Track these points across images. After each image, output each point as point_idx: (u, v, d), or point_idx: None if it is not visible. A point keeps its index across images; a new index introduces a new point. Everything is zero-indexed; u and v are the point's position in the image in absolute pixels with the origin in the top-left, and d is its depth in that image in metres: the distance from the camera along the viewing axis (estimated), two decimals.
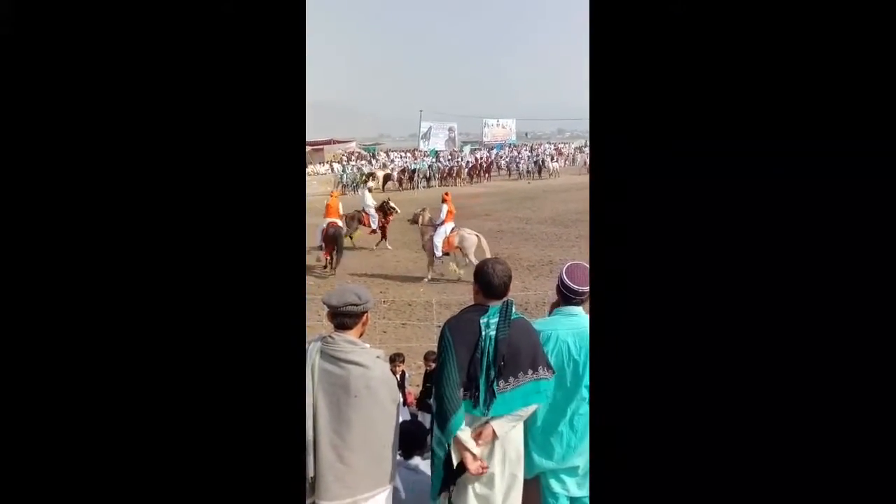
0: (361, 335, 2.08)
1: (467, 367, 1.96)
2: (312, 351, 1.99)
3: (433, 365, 5.31)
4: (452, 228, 10.31)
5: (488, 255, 9.49)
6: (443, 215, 10.38)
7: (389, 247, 12.78)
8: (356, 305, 1.99)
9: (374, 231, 12.94)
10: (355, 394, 1.90)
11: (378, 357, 2.03)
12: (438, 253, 10.18)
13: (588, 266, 2.32)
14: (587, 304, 2.24)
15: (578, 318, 2.27)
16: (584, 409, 2.19)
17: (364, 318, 2.06)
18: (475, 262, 8.88)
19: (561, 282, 2.30)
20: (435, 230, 10.31)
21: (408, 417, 5.05)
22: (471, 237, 10.14)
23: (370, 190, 14.77)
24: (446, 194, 11.17)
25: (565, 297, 2.31)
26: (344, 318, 2.00)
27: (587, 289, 2.26)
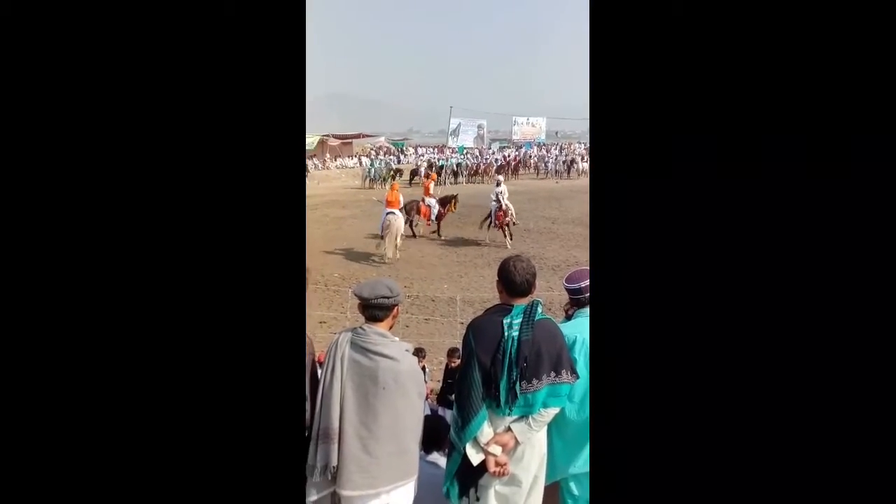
0: (391, 328, 2.10)
1: (489, 367, 1.96)
2: (343, 341, 2.02)
3: (456, 361, 5.35)
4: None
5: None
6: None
7: (442, 237, 13.54)
8: (387, 298, 2.02)
9: (430, 222, 13.67)
10: (383, 385, 1.92)
11: (407, 350, 2.05)
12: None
13: (585, 268, 2.34)
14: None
15: None
16: None
17: (395, 311, 2.08)
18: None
19: (565, 287, 2.35)
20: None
21: (427, 412, 5.08)
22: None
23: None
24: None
25: (573, 300, 2.35)
26: (375, 310, 2.02)
27: (585, 283, 2.27)
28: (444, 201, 13.84)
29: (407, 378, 1.98)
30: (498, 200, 12.65)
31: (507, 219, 12.59)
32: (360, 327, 2.04)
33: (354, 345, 1.99)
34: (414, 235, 13.47)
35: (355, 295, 2.03)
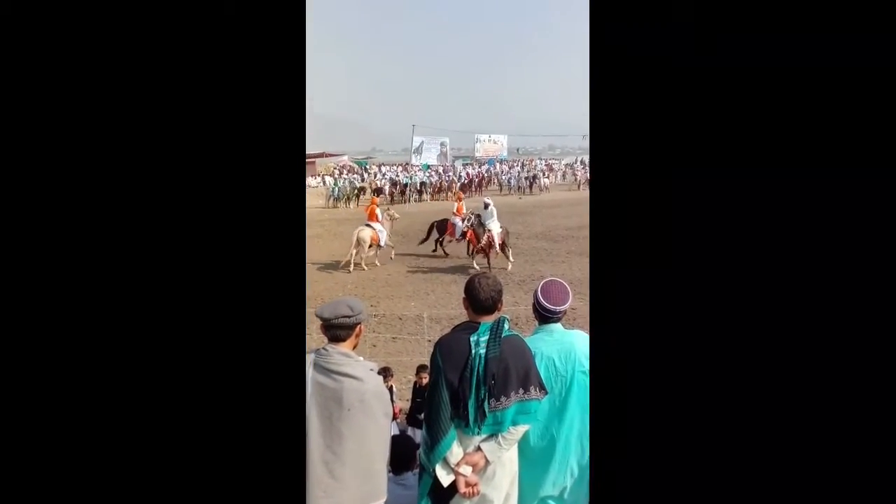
0: (355, 347, 2.07)
1: (457, 386, 1.94)
2: (307, 363, 1.97)
3: (425, 378, 5.30)
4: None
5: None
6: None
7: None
8: (348, 317, 1.99)
9: (458, 240, 12.92)
10: (348, 407, 1.88)
11: (372, 370, 2.02)
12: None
13: (563, 283, 2.33)
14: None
15: (560, 335, 2.26)
16: (573, 426, 2.19)
17: (357, 329, 2.05)
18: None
19: (537, 301, 2.28)
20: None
21: (396, 432, 5.01)
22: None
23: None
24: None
25: (542, 316, 2.30)
26: (337, 330, 1.99)
27: (564, 307, 2.26)
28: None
29: (372, 398, 1.94)
30: (478, 225, 11.80)
31: (485, 244, 11.66)
32: (323, 348, 2.00)
33: (318, 366, 1.95)
34: (445, 255, 13.11)
35: (317, 316, 1.99)
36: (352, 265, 12.07)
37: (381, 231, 12.66)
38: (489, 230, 11.70)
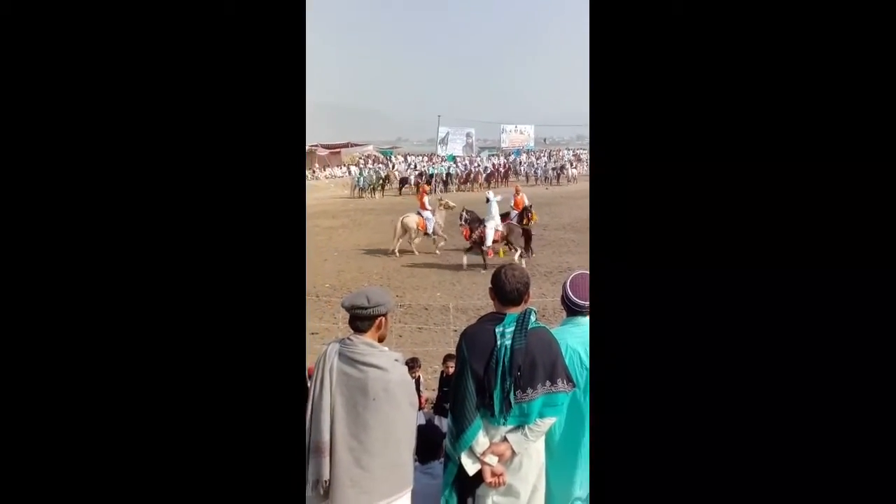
0: (382, 339, 2.06)
1: (482, 377, 1.92)
2: (331, 353, 1.98)
3: (451, 368, 5.31)
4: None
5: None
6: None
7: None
8: (364, 308, 1.98)
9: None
10: (373, 397, 1.88)
11: (397, 360, 2.01)
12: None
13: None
14: None
15: (587, 327, 2.21)
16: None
17: (378, 321, 2.03)
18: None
19: (565, 295, 2.25)
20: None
21: (422, 422, 5.03)
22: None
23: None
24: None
25: (570, 309, 2.26)
26: (355, 320, 2.00)
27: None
28: (521, 216, 11.93)
29: (397, 388, 1.94)
30: (473, 220, 11.40)
31: (476, 239, 11.25)
32: (348, 338, 2.00)
33: (343, 356, 1.95)
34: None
35: (341, 305, 2.01)
36: (397, 251, 12.41)
37: (429, 219, 12.50)
38: (484, 226, 11.27)
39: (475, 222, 11.51)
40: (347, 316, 2.02)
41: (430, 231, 12.61)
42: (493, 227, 11.32)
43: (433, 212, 12.46)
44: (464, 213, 11.87)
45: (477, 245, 11.37)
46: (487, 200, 11.87)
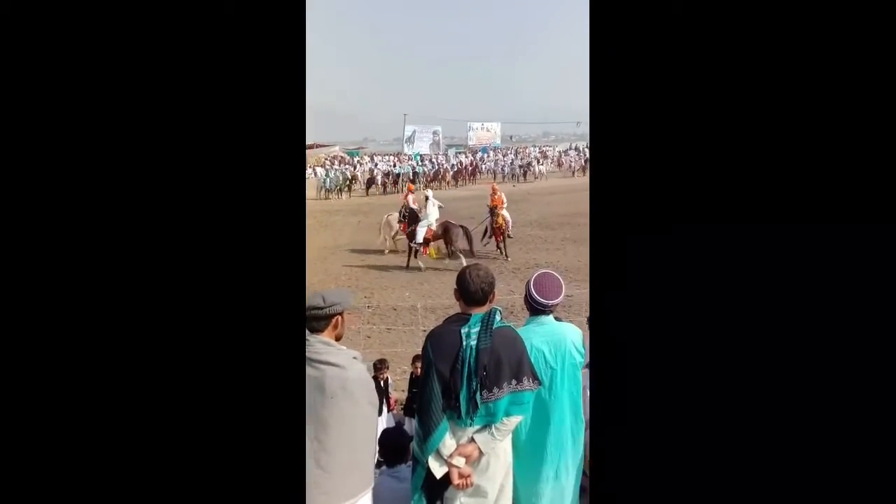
0: (339, 338, 2.04)
1: (448, 378, 1.91)
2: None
3: (420, 369, 5.29)
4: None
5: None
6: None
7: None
8: (320, 309, 1.96)
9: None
10: (331, 395, 1.86)
11: (355, 358, 1.99)
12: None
13: (556, 275, 2.29)
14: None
15: (551, 326, 2.23)
16: (563, 417, 2.17)
17: (334, 321, 2.01)
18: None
19: (529, 295, 2.25)
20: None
21: (392, 424, 5.00)
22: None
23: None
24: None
25: (534, 309, 2.26)
26: (311, 321, 1.98)
27: (556, 301, 2.22)
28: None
29: (355, 386, 1.92)
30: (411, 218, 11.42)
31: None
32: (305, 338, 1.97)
33: None
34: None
35: None
36: (387, 249, 12.65)
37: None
38: (416, 224, 11.36)
39: (413, 219, 11.54)
40: None
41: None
42: (424, 226, 11.34)
43: (419, 210, 12.07)
44: (402, 209, 11.88)
45: (412, 241, 11.45)
46: (426, 199, 11.91)
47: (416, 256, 11.52)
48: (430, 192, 12.59)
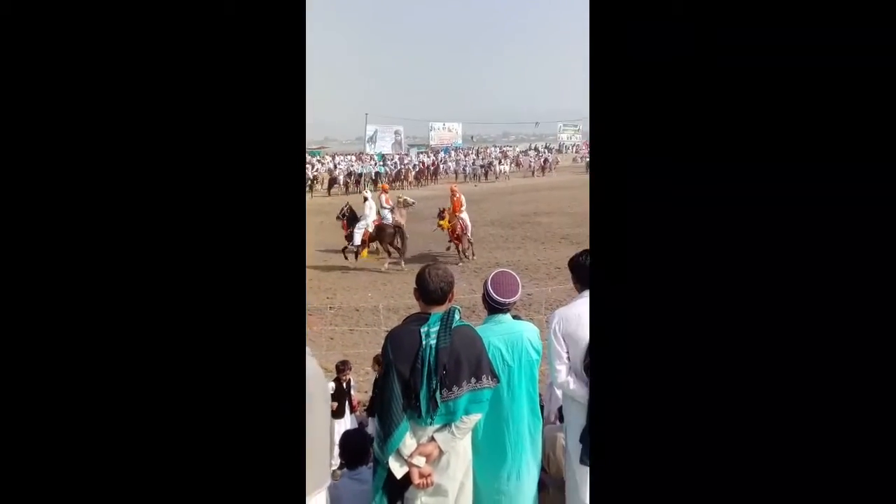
0: None
1: (408, 378, 1.92)
2: None
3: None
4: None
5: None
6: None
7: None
8: None
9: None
10: None
11: (311, 355, 1.99)
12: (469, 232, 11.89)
13: (513, 274, 2.34)
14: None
15: (508, 325, 2.27)
16: (521, 414, 2.21)
17: None
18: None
19: (486, 293, 2.28)
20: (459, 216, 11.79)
21: (355, 425, 4.97)
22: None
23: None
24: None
25: (491, 307, 2.30)
26: None
27: (514, 299, 2.27)
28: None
29: (309, 382, 1.90)
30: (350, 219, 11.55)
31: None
32: None
33: None
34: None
35: None
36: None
37: (386, 217, 11.75)
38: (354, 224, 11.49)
39: (353, 220, 11.55)
40: None
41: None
42: (361, 228, 11.40)
43: (392, 209, 11.92)
44: (343, 208, 11.90)
45: (350, 242, 11.50)
46: (365, 200, 11.95)
47: (356, 258, 11.55)
48: (368, 194, 12.56)
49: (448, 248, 12.13)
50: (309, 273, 11.07)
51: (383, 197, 12.14)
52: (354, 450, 2.55)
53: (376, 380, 5.34)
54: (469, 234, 11.90)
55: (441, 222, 12.27)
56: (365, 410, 5.45)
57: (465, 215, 11.79)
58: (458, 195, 12.47)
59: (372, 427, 4.74)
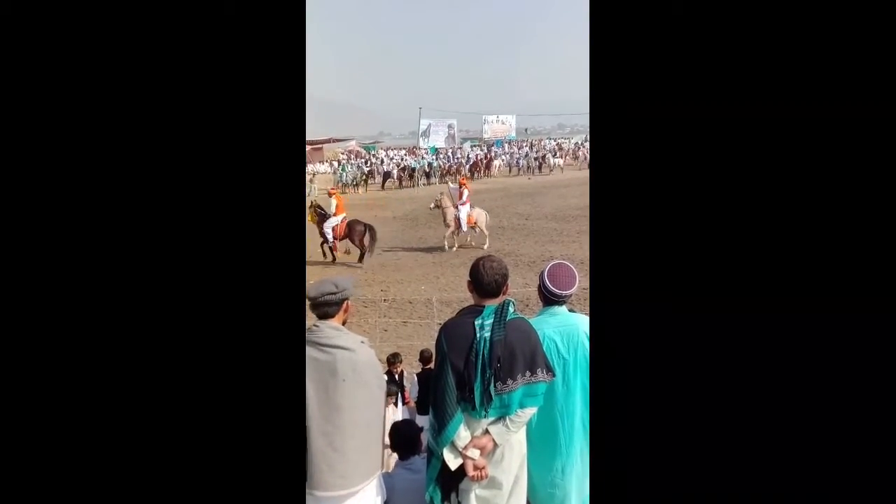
0: (344, 323, 2.10)
1: (462, 370, 1.91)
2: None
3: (425, 365, 5.26)
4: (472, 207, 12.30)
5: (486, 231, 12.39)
6: (463, 197, 12.40)
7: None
8: (333, 294, 2.03)
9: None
10: (343, 377, 1.91)
11: (363, 342, 2.04)
12: (464, 227, 12.23)
13: (570, 266, 2.28)
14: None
15: (564, 317, 2.22)
16: (575, 407, 2.16)
17: (344, 305, 2.08)
18: (486, 233, 12.49)
19: (542, 285, 2.24)
20: (458, 209, 12.24)
21: (406, 417, 5.01)
22: (482, 213, 12.43)
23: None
24: (462, 178, 14.08)
25: (547, 299, 2.26)
26: (324, 307, 2.03)
27: (570, 291, 2.22)
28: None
29: (365, 368, 1.97)
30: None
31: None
32: (314, 325, 2.02)
33: (310, 342, 1.96)
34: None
35: (306, 296, 2.01)
36: (446, 245, 12.45)
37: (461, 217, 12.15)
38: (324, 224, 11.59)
39: (324, 217, 11.62)
40: (309, 306, 2.04)
41: (462, 225, 12.29)
42: (330, 225, 11.50)
43: (471, 206, 12.25)
44: (315, 205, 11.96)
45: (324, 238, 11.65)
46: (330, 196, 12.05)
47: (332, 256, 11.74)
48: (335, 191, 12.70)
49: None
50: (364, 266, 11.28)
51: (466, 191, 12.34)
52: (405, 439, 2.56)
53: (418, 374, 5.39)
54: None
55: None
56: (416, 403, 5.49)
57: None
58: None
59: (419, 422, 4.77)
